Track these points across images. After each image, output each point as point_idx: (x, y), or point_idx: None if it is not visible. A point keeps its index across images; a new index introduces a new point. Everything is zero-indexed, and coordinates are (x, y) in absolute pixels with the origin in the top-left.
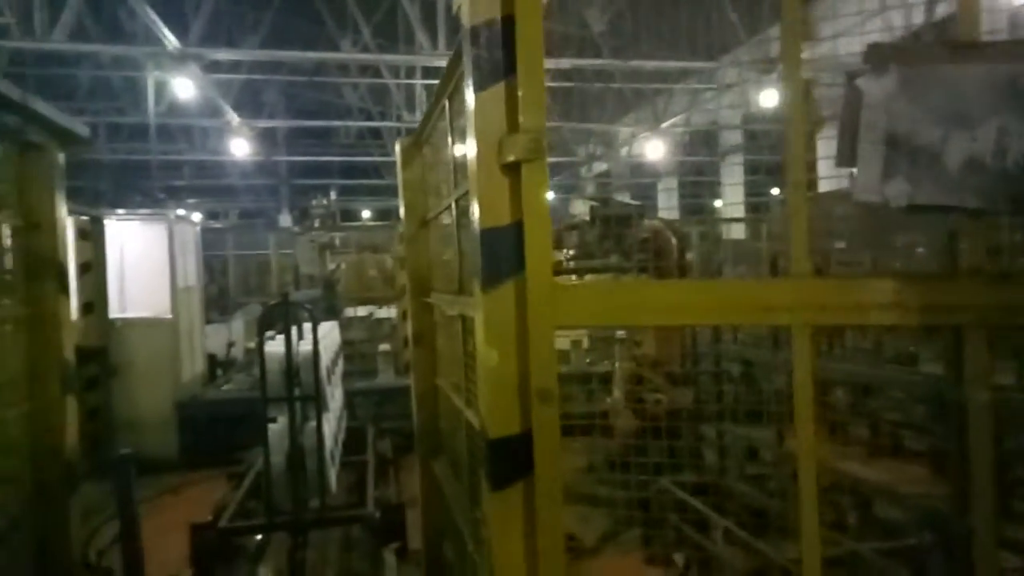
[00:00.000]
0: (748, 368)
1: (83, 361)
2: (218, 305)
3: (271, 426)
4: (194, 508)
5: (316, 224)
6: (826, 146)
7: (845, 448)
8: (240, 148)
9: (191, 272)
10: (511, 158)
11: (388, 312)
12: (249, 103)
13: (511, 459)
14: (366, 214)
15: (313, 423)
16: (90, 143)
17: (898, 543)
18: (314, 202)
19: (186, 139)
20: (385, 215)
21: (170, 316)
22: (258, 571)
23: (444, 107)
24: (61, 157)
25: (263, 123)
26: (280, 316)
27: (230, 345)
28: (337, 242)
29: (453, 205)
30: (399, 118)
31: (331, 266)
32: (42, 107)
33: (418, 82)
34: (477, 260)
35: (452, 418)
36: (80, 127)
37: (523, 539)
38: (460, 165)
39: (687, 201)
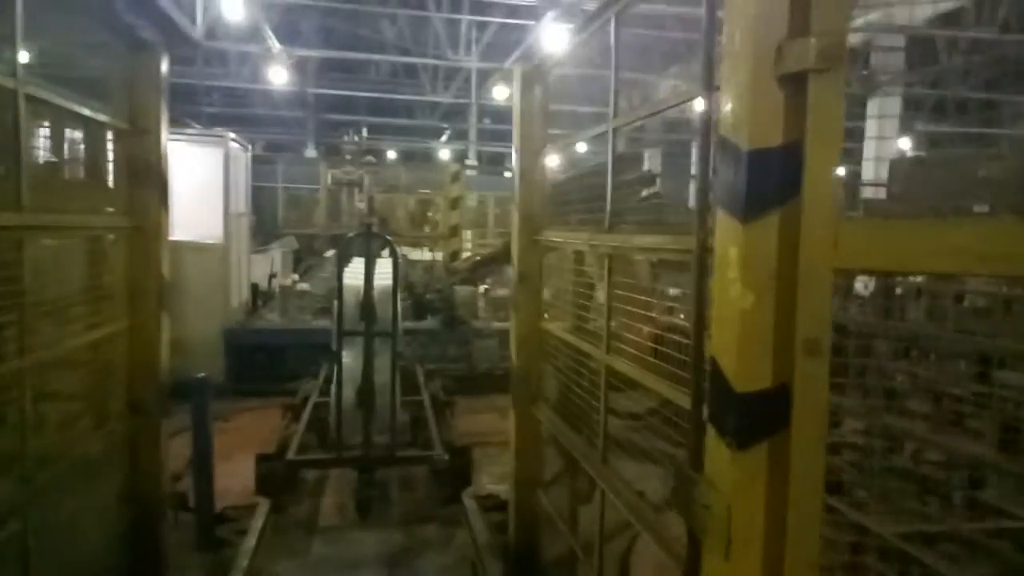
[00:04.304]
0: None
1: None
2: (256, 235)
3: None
4: (245, 437)
5: (348, 159)
6: (872, 106)
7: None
8: (279, 76)
9: (241, 199)
10: (795, 68)
11: (421, 255)
12: (283, 33)
13: (761, 416)
14: (391, 155)
15: (380, 359)
16: (198, 45)
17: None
18: (345, 138)
19: (221, 64)
20: (410, 156)
21: (222, 242)
22: (322, 504)
23: (608, 22)
24: (167, 59)
25: (303, 51)
26: (358, 247)
27: (272, 276)
28: (367, 180)
29: (610, 133)
30: (437, 56)
31: (358, 204)
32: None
33: (464, 17)
34: (728, 186)
35: (570, 363)
36: (190, 26)
37: (764, 503)
38: (620, 90)
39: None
